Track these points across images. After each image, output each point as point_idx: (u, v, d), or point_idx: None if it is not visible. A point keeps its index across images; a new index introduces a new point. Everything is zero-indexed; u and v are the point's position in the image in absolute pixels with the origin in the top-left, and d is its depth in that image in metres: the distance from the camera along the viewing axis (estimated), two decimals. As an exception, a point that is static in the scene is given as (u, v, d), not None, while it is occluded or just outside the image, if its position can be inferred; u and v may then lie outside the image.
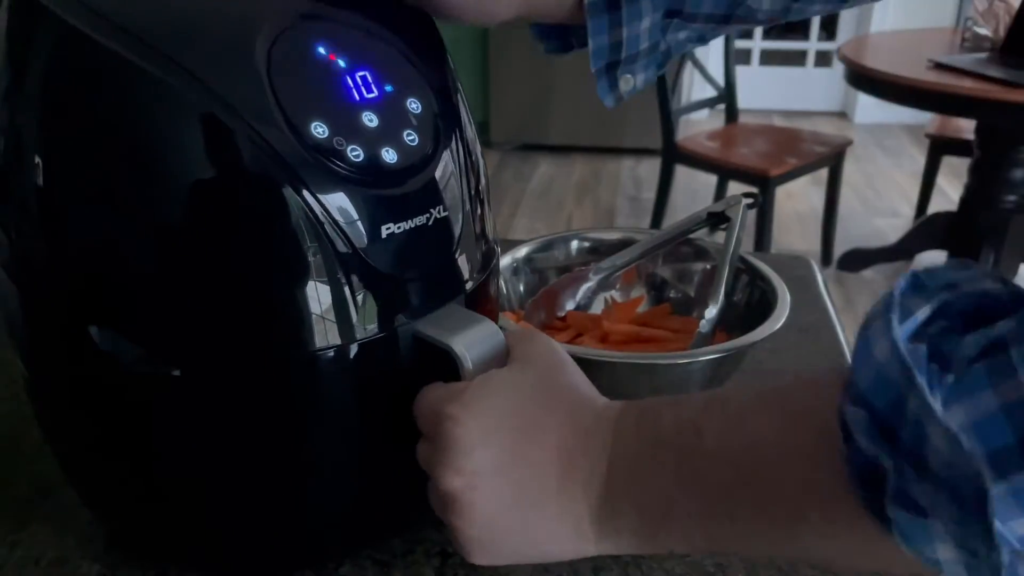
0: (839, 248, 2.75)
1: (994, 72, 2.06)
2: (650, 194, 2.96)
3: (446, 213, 0.41)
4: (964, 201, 2.48)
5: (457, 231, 0.42)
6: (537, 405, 0.37)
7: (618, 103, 0.51)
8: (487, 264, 0.45)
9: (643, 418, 0.36)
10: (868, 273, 2.69)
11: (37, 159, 0.36)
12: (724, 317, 0.62)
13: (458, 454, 0.36)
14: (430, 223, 0.40)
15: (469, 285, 0.43)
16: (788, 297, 0.59)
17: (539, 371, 0.39)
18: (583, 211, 3.22)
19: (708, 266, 0.68)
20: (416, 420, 0.40)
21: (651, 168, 3.35)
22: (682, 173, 2.72)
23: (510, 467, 0.36)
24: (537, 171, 3.61)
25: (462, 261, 0.42)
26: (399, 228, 0.38)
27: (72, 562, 0.48)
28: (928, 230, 2.67)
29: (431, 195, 0.40)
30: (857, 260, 2.71)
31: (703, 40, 0.51)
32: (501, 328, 0.42)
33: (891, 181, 3.51)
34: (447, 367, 0.40)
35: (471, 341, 0.40)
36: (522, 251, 0.70)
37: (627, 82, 0.50)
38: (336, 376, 0.40)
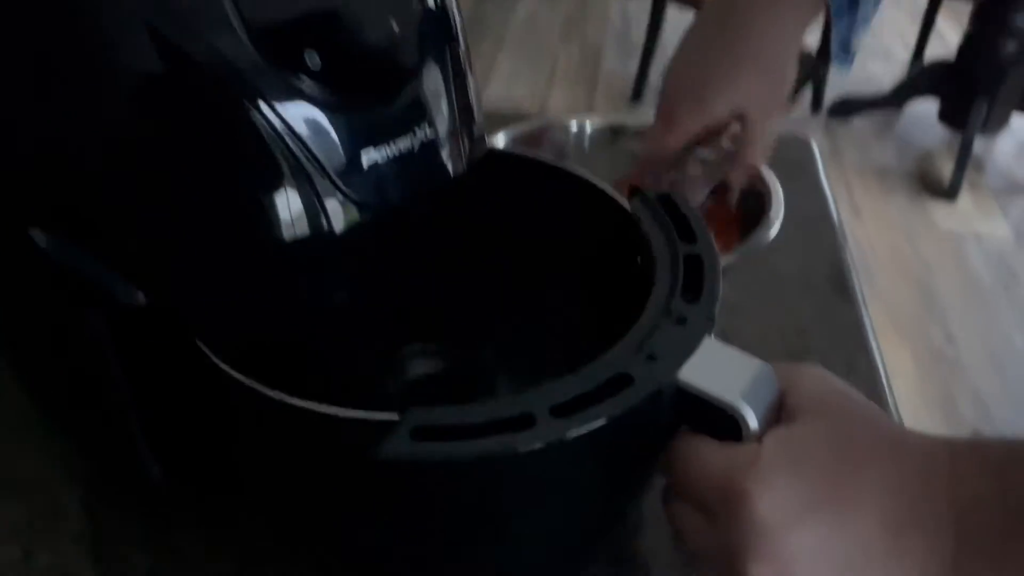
0: (830, 92, 2.68)
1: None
2: (639, 33, 2.84)
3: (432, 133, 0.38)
4: (963, 47, 2.41)
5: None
6: (843, 464, 0.31)
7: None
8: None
9: (993, 469, 0.31)
10: (858, 122, 2.65)
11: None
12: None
13: (766, 539, 0.30)
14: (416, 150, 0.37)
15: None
16: (782, 207, 0.58)
17: (831, 420, 0.32)
18: (569, 51, 3.10)
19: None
20: (681, 486, 0.34)
21: (641, 6, 3.20)
22: (673, 14, 2.61)
23: (829, 547, 0.30)
24: (521, 3, 3.45)
25: (446, 154, 0.40)
26: (381, 156, 0.35)
27: (53, 490, 0.47)
28: (922, 79, 2.61)
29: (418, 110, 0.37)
30: (848, 108, 2.65)
31: None
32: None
33: (889, 20, 3.39)
34: (705, 419, 0.32)
35: (753, 396, 0.32)
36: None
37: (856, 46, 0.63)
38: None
